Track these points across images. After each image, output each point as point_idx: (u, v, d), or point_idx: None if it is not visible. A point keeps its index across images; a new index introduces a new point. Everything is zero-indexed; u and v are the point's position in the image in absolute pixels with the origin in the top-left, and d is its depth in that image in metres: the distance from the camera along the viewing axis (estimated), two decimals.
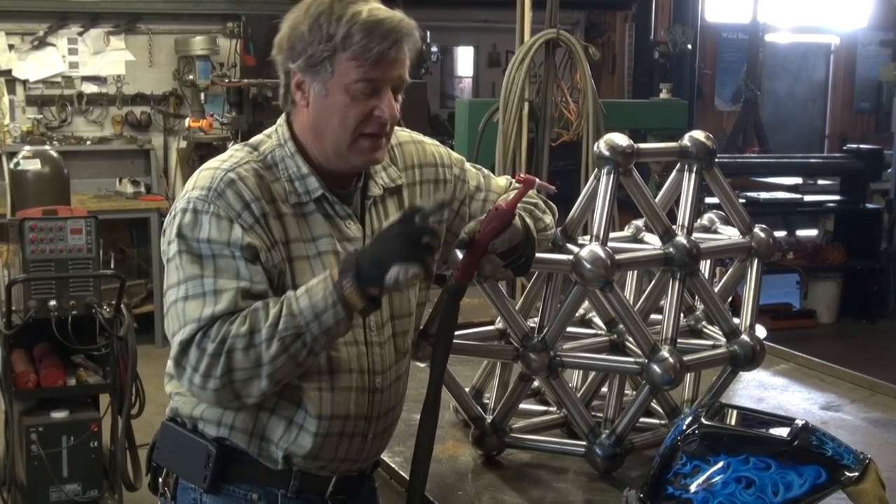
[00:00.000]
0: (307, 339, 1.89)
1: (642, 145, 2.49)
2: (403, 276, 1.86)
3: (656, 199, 2.52)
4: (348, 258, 1.92)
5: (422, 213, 1.88)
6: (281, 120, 2.09)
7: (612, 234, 2.51)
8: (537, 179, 2.11)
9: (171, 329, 1.94)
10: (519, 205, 2.07)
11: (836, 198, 9.61)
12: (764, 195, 9.21)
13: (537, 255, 2.24)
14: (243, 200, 1.95)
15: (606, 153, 2.41)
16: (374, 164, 2.09)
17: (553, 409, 2.71)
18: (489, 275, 2.14)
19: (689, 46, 10.26)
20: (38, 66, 8.34)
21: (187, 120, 8.36)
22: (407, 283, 1.90)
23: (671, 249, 2.42)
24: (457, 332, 2.20)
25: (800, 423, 1.92)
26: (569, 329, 2.52)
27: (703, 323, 2.76)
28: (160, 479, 2.16)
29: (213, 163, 2.03)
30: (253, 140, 2.10)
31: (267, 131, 2.11)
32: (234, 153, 2.05)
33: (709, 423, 1.94)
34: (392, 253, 1.86)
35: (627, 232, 2.73)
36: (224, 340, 1.86)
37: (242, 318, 1.88)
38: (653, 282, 2.60)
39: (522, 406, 2.62)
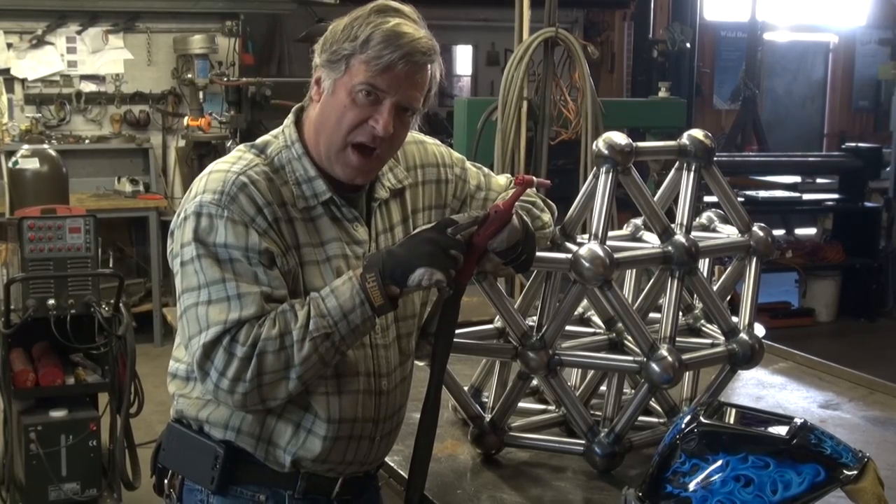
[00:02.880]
0: (336, 339, 1.90)
1: (641, 144, 2.49)
2: (427, 280, 1.90)
3: (655, 198, 2.52)
4: (374, 255, 1.95)
5: (456, 227, 1.94)
6: (288, 121, 2.08)
7: (610, 233, 2.51)
8: (535, 179, 2.11)
9: (189, 332, 1.93)
10: (517, 204, 2.08)
11: (835, 196, 9.62)
12: (763, 194, 9.22)
13: (537, 254, 2.24)
14: (256, 205, 1.94)
15: (605, 152, 2.41)
16: (359, 183, 2.06)
17: (552, 407, 2.71)
18: (490, 272, 2.14)
19: (688, 45, 10.27)
20: (37, 64, 8.33)
21: (186, 119, 8.36)
22: (428, 288, 1.95)
23: (670, 248, 2.42)
24: (456, 331, 2.20)
25: (798, 421, 1.92)
26: (567, 328, 2.52)
27: (702, 321, 2.76)
28: (165, 481, 2.15)
29: (221, 165, 2.01)
30: (259, 141, 2.08)
31: (273, 132, 2.10)
32: (242, 155, 2.04)
33: (707, 421, 1.94)
34: (420, 256, 1.90)
35: (626, 230, 2.73)
36: (255, 344, 1.86)
37: (272, 322, 1.88)
38: (651, 280, 2.60)
39: (521, 405, 2.62)
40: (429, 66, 2.00)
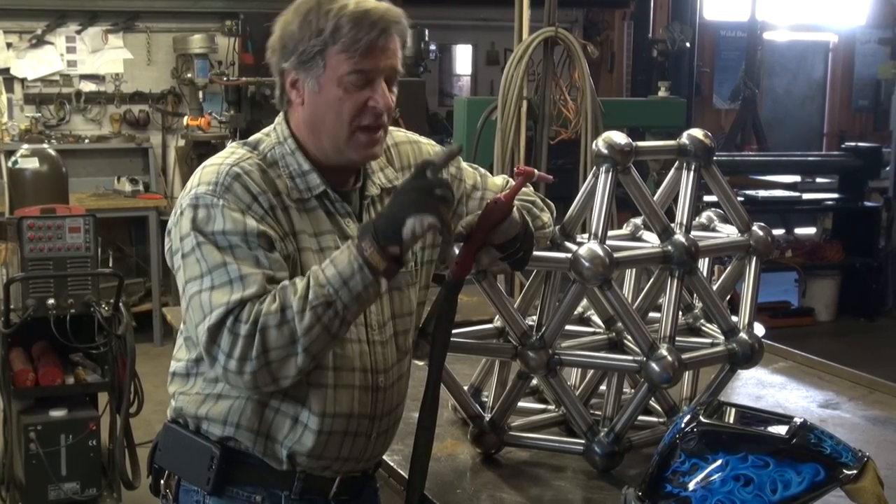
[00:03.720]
0: (338, 307, 1.87)
1: (641, 143, 2.49)
2: (419, 227, 1.87)
3: (655, 198, 2.52)
4: (364, 224, 1.94)
5: (433, 167, 1.91)
6: (279, 118, 2.10)
7: (610, 233, 2.51)
8: (536, 171, 2.11)
9: (195, 319, 1.92)
10: (516, 201, 2.08)
11: (835, 196, 9.62)
12: (762, 193, 9.22)
13: (536, 253, 2.24)
14: (251, 193, 1.95)
15: (605, 151, 2.41)
16: (372, 159, 2.08)
17: (552, 407, 2.71)
18: (486, 267, 2.13)
19: (688, 44, 10.27)
20: (37, 64, 8.34)
21: (185, 118, 8.37)
22: (424, 235, 1.91)
23: (670, 248, 2.42)
24: (456, 331, 2.20)
25: (798, 421, 1.92)
26: (567, 327, 2.52)
27: (702, 321, 2.76)
28: (161, 481, 2.15)
29: (215, 159, 2.03)
30: (251, 139, 2.10)
31: (265, 130, 2.11)
32: (235, 150, 2.05)
33: (707, 421, 1.94)
34: (406, 206, 1.87)
35: (626, 230, 2.73)
36: (256, 321, 1.85)
37: (272, 297, 1.87)
38: (651, 280, 2.60)
39: (521, 404, 2.62)
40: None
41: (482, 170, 2.41)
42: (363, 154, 2.03)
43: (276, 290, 1.89)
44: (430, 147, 2.30)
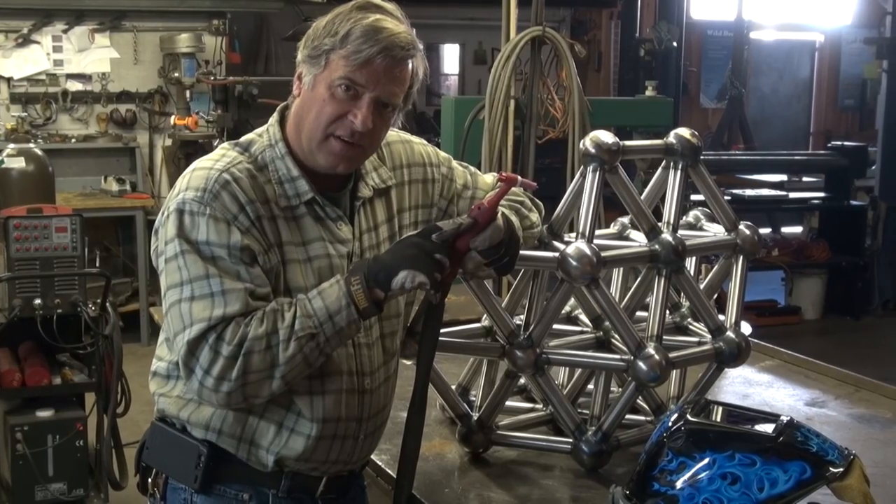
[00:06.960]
0: (320, 339, 1.91)
1: (628, 143, 2.49)
2: (410, 282, 1.91)
3: (642, 197, 2.52)
4: (361, 261, 1.98)
5: (441, 233, 1.95)
6: (272, 119, 2.08)
7: (597, 232, 2.52)
8: (520, 177, 2.11)
9: (174, 329, 1.93)
10: (505, 202, 2.07)
11: (821, 195, 9.65)
12: (749, 192, 9.25)
13: (524, 252, 2.24)
14: (238, 202, 1.94)
15: (592, 150, 2.41)
16: (341, 171, 2.05)
17: (539, 406, 2.71)
18: (471, 272, 2.14)
19: (675, 44, 10.31)
20: (23, 63, 8.29)
21: (173, 118, 8.33)
22: (412, 291, 1.96)
23: (657, 246, 2.42)
24: (443, 330, 2.20)
25: (785, 419, 1.92)
26: (555, 326, 2.53)
27: (689, 320, 2.77)
28: (149, 480, 2.15)
29: (205, 162, 2.01)
30: (243, 139, 2.08)
31: (258, 130, 2.10)
32: (226, 153, 2.03)
33: (694, 419, 1.95)
34: (404, 259, 1.91)
35: (613, 229, 2.73)
36: (241, 343, 1.86)
37: (259, 321, 1.88)
38: (638, 279, 2.61)
39: (509, 403, 2.63)
40: (409, 61, 2.01)
41: (472, 168, 2.40)
42: (331, 161, 2.01)
43: (265, 313, 1.89)
44: (421, 146, 2.29)
